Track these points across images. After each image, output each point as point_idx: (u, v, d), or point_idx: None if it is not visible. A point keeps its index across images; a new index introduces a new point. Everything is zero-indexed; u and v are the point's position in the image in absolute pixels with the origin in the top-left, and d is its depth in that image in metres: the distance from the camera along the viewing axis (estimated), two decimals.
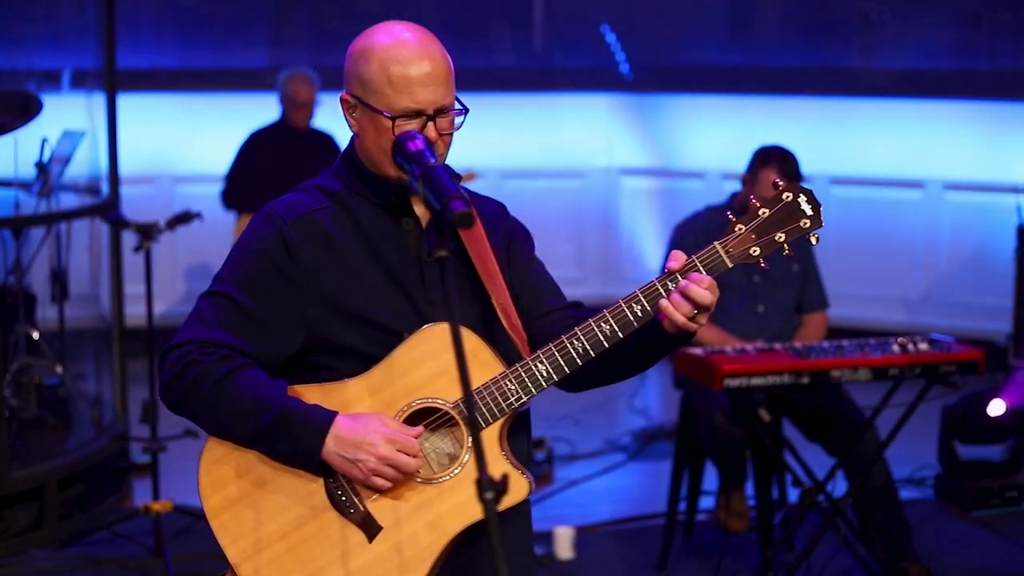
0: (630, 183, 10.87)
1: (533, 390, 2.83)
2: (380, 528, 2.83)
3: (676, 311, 2.79)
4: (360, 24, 9.86)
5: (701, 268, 2.83)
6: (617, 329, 2.81)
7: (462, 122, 2.96)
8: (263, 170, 7.87)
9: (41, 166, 6.65)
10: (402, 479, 2.80)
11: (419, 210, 2.95)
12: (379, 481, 2.79)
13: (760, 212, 2.85)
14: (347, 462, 2.78)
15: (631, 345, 2.87)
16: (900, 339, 5.18)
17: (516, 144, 10.66)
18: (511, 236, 3.09)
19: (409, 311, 2.90)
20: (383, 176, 2.91)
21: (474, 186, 8.01)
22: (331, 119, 8.29)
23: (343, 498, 2.84)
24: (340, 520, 2.84)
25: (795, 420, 5.68)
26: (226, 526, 2.87)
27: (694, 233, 5.84)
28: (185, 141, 9.95)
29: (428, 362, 2.83)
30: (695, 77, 10.61)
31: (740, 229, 2.85)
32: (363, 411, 2.83)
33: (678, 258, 2.84)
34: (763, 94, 10.14)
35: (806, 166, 9.84)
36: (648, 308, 2.82)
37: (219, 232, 8.61)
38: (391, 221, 2.94)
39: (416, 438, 2.81)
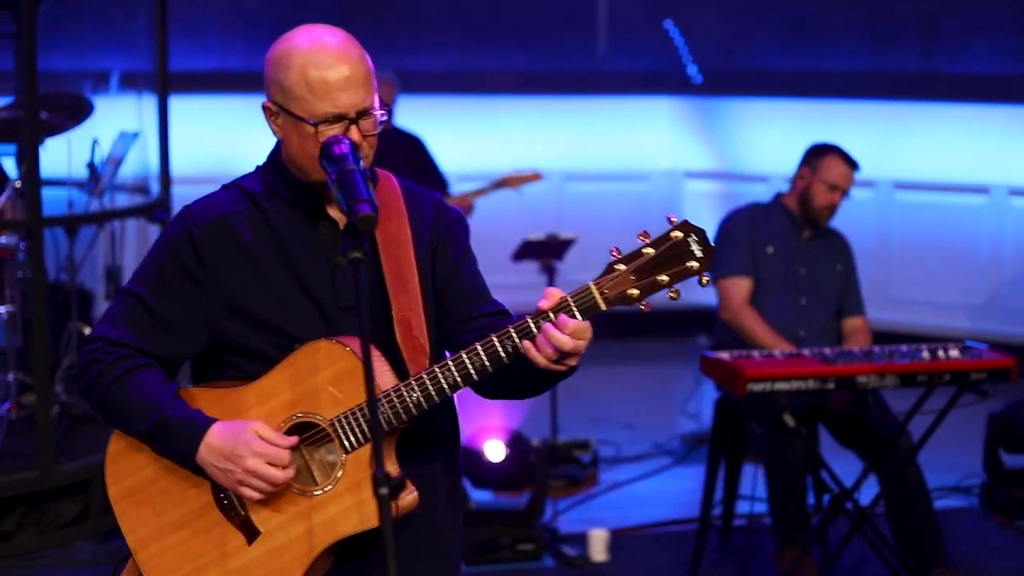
0: (694, 186, 10.85)
1: (404, 416, 2.79)
2: (259, 533, 2.88)
3: (538, 353, 2.71)
4: (423, 28, 9.95)
5: (575, 308, 2.70)
6: (488, 364, 2.74)
7: (383, 124, 2.92)
8: None
9: (92, 166, 6.77)
10: (270, 490, 2.82)
11: (335, 214, 2.94)
12: (247, 491, 2.82)
13: (644, 252, 2.69)
14: (218, 470, 2.83)
15: (515, 373, 2.82)
16: (930, 346, 5.14)
17: (580, 147, 10.68)
18: (439, 238, 3.04)
19: (317, 318, 2.91)
20: (310, 182, 2.90)
21: (537, 188, 8.09)
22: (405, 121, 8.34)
23: (226, 501, 2.91)
24: (223, 521, 2.91)
25: (828, 425, 5.65)
26: (127, 514, 2.97)
27: (742, 219, 5.90)
28: (249, 142, 10.03)
29: (311, 377, 2.84)
30: (759, 81, 10.56)
31: (619, 269, 2.69)
32: (250, 419, 2.86)
33: (551, 296, 2.73)
34: (827, 98, 10.08)
35: (870, 171, 9.81)
36: (518, 346, 2.73)
37: None
38: (309, 226, 2.94)
39: (291, 449, 2.83)
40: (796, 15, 10.44)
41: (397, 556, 2.91)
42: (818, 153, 5.88)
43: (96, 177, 6.82)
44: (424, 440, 2.97)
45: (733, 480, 5.96)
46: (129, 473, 2.96)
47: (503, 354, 2.73)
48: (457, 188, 8.24)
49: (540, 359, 2.70)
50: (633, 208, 10.81)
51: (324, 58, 2.81)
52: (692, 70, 10.77)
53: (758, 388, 4.92)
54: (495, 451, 6.04)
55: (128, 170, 7.14)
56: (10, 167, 7.13)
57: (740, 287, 5.77)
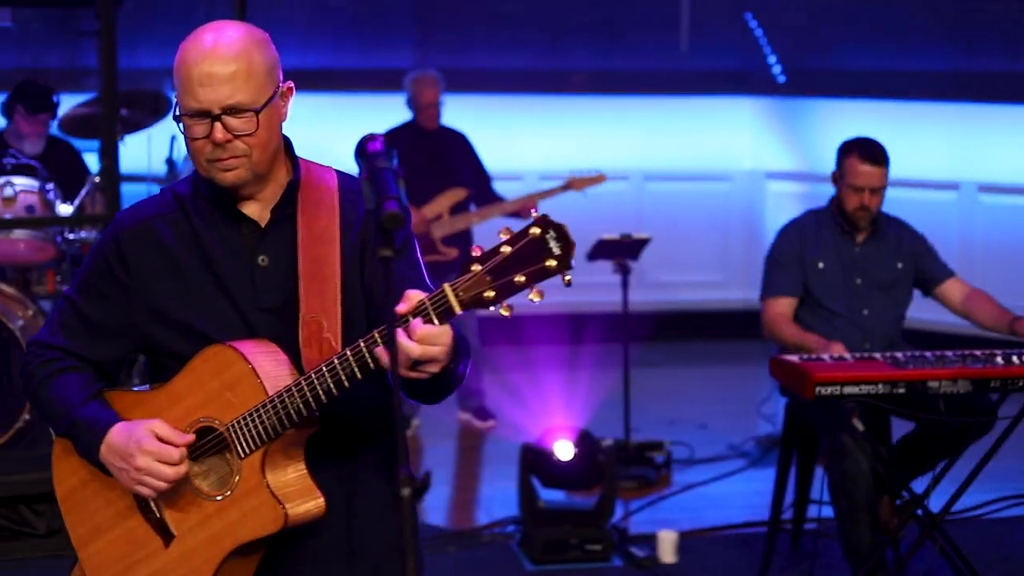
0: (776, 187, 10.76)
1: (287, 423, 2.74)
2: (173, 536, 2.90)
3: (391, 360, 2.54)
4: (503, 26, 9.91)
5: (432, 312, 2.57)
6: (356, 371, 2.67)
7: (256, 126, 2.80)
8: None
9: (171, 162, 6.86)
10: (163, 487, 2.82)
11: (255, 214, 2.92)
12: (143, 490, 2.84)
13: (501, 250, 2.53)
14: (117, 470, 2.86)
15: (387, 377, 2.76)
16: (1004, 351, 5.05)
17: (660, 147, 10.63)
18: (366, 238, 2.93)
19: (236, 320, 2.89)
20: (209, 178, 2.86)
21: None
22: (455, 119, 8.36)
23: (143, 503, 2.93)
24: (144, 523, 2.94)
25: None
26: (69, 514, 3.04)
27: (788, 237, 5.79)
28: (330, 140, 10.05)
29: (210, 382, 2.83)
30: (842, 81, 10.45)
31: (475, 270, 2.53)
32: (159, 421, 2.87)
33: (409, 300, 2.61)
34: (911, 99, 9.94)
35: (954, 173, 9.72)
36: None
37: None
38: (230, 226, 2.92)
39: (187, 447, 2.82)
40: (880, 15, 10.32)
41: (314, 558, 2.93)
42: (842, 153, 5.68)
43: (174, 173, 6.90)
44: (347, 437, 2.93)
45: (805, 483, 5.89)
46: (68, 474, 3.02)
47: (369, 360, 2.65)
48: (536, 187, 8.25)
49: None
50: (714, 208, 10.76)
51: (195, 54, 2.77)
52: (776, 70, 10.69)
53: (827, 392, 4.87)
54: (564, 450, 6.02)
55: None
56: (92, 162, 7.25)
57: (780, 305, 5.68)
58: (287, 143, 2.95)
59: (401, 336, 2.56)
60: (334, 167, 3.03)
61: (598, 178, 7.72)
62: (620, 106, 10.60)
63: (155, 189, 7.02)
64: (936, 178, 9.78)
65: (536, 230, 2.51)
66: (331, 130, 10.08)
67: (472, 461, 7.84)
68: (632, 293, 7.44)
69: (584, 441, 6.09)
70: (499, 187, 8.23)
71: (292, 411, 2.72)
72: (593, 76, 10.62)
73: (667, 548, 5.91)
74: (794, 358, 5.09)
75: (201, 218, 2.92)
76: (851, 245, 5.74)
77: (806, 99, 10.62)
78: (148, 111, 6.85)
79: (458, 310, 2.56)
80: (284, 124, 2.91)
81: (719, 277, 10.77)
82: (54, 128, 7.36)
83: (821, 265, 5.69)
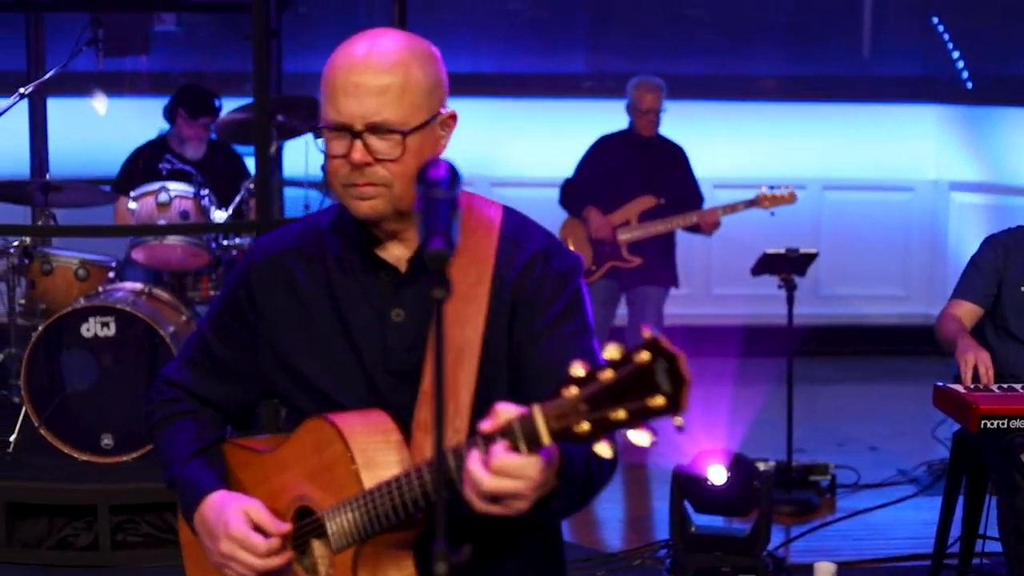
0: (960, 198, 10.38)
1: (378, 526, 2.35)
2: None
3: (467, 487, 2.18)
4: (681, 29, 9.66)
5: (519, 437, 2.11)
6: (430, 489, 2.27)
7: (403, 151, 2.41)
8: (602, 176, 7.85)
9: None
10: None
11: (398, 259, 2.53)
12: (228, 573, 2.53)
13: (603, 375, 2.02)
14: (204, 546, 2.59)
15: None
16: None
17: (840, 155, 10.34)
18: (521, 296, 2.49)
19: (361, 382, 2.52)
20: (351, 211, 2.49)
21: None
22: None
23: None
24: None
25: None
26: (188, 561, 2.78)
27: (993, 248, 5.45)
28: (504, 145, 10.01)
29: (313, 457, 2.49)
30: None
31: (572, 394, 2.04)
32: (265, 489, 2.58)
33: (497, 416, 2.16)
34: None
35: None
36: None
37: None
38: (367, 271, 2.54)
39: (283, 536, 2.51)
40: None
41: None
42: None
43: None
44: (483, 536, 2.41)
45: (974, 516, 5.58)
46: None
47: (454, 475, 2.22)
48: (713, 195, 8.05)
49: (471, 496, 2.18)
50: (895, 219, 10.43)
51: (344, 60, 2.43)
52: (963, 76, 10.31)
53: (993, 425, 4.59)
54: (717, 475, 5.80)
55: None
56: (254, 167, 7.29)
57: (959, 307, 5.33)
58: None
59: (474, 463, 2.14)
60: (503, 205, 2.59)
61: (788, 196, 7.49)
62: (797, 113, 10.34)
63: (313, 194, 7.00)
64: None
65: (644, 356, 1.99)
66: (505, 135, 10.04)
67: (627, 479, 7.65)
68: (803, 306, 7.15)
69: (738, 465, 5.84)
70: None
71: (382, 514, 2.33)
72: (769, 82, 10.39)
73: None
74: (959, 387, 4.83)
75: (337, 258, 2.55)
76: None
77: (995, 107, 10.22)
78: (304, 116, 6.83)
79: (546, 441, 2.09)
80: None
81: (898, 291, 10.43)
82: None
83: (1023, 289, 5.34)
